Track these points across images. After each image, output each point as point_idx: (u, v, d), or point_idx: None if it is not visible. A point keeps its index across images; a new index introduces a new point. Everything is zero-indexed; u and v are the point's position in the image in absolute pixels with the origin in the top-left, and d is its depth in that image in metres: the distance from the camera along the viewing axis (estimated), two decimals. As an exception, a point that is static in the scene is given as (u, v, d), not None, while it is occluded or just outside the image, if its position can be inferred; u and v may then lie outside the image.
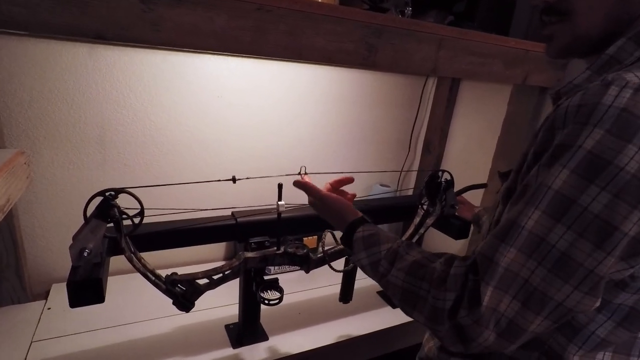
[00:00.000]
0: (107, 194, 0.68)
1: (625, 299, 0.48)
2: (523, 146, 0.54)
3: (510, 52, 0.92)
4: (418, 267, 0.53)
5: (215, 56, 1.17)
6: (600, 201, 0.41)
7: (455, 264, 0.50)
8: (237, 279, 0.89)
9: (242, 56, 1.20)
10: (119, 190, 0.69)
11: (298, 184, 0.80)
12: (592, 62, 0.51)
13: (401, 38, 0.78)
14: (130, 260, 0.71)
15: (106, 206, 0.68)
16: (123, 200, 0.70)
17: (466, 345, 0.47)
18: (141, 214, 0.71)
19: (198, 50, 1.11)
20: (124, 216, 0.71)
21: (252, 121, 1.29)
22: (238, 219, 0.92)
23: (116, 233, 0.71)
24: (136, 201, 0.70)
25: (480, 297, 0.45)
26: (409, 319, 1.13)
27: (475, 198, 1.21)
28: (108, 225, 0.70)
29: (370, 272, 0.60)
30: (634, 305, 0.48)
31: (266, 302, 0.86)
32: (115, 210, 0.69)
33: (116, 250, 0.72)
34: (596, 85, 0.44)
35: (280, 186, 0.83)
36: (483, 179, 1.27)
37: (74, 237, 0.66)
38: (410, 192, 1.67)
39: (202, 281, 0.78)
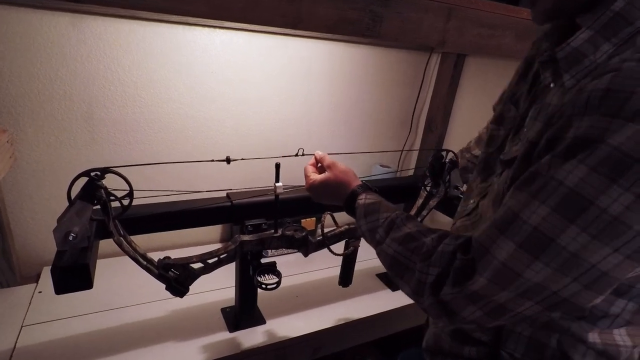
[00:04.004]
0: (92, 174, 0.64)
1: None
2: (531, 133, 0.49)
3: (521, 23, 0.86)
4: (410, 240, 0.53)
5: (208, 28, 1.10)
6: (622, 203, 0.37)
7: (446, 242, 0.49)
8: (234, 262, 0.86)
9: (236, 29, 1.13)
10: (105, 170, 0.65)
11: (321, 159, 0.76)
12: (593, 19, 0.45)
13: (408, 6, 0.72)
14: (119, 245, 0.67)
15: (92, 187, 0.64)
16: (112, 181, 0.66)
17: (450, 319, 0.47)
18: (130, 195, 0.67)
19: (186, 21, 1.05)
20: (112, 197, 0.66)
21: (247, 98, 1.24)
22: (234, 201, 0.88)
23: (103, 215, 0.67)
24: (125, 182, 0.66)
25: (467, 280, 0.44)
26: (409, 302, 1.13)
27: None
28: (95, 207, 0.66)
29: (369, 238, 0.61)
30: None
31: (263, 286, 0.84)
32: (102, 191, 0.65)
33: (104, 233, 0.69)
34: (632, 66, 0.38)
35: (277, 166, 0.78)
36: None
37: (59, 220, 0.61)
38: (411, 173, 1.63)
39: (197, 265, 0.75)
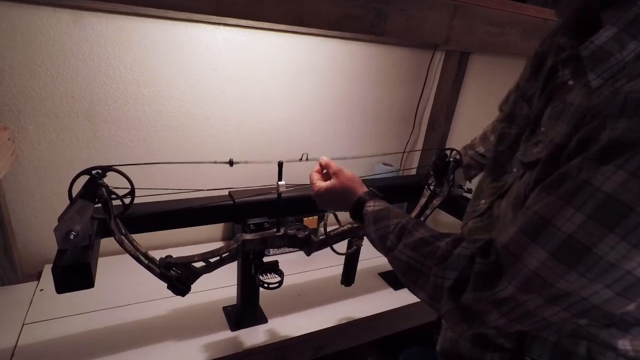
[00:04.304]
0: (93, 172, 0.63)
1: None
2: (553, 134, 0.47)
3: (529, 21, 0.85)
4: (423, 244, 0.52)
5: (210, 25, 1.10)
6: None
7: (463, 245, 0.48)
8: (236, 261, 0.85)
9: (238, 26, 1.12)
10: (107, 168, 0.64)
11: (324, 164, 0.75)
12: (618, 16, 0.43)
13: (412, 3, 0.71)
14: (121, 243, 0.67)
15: (93, 185, 0.63)
16: (114, 180, 0.65)
17: (470, 325, 0.46)
18: (131, 193, 0.66)
19: (189, 17, 1.04)
20: (113, 196, 0.66)
21: (250, 96, 1.23)
22: (236, 200, 0.88)
23: (105, 214, 0.66)
24: (126, 180, 0.65)
25: (492, 286, 0.43)
26: (411, 301, 1.12)
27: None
28: (96, 205, 0.65)
29: (379, 245, 0.60)
30: None
31: (265, 285, 0.83)
32: (103, 189, 0.64)
33: (106, 232, 0.68)
34: None
35: (280, 165, 0.78)
36: (490, 159, 1.22)
37: (60, 219, 0.61)
38: (413, 172, 1.62)
39: (199, 264, 0.75)
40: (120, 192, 0.66)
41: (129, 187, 0.65)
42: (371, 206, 0.63)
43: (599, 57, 0.45)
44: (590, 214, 0.38)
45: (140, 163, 0.67)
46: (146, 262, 0.70)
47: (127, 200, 0.67)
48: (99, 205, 0.65)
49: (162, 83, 1.10)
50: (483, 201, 0.64)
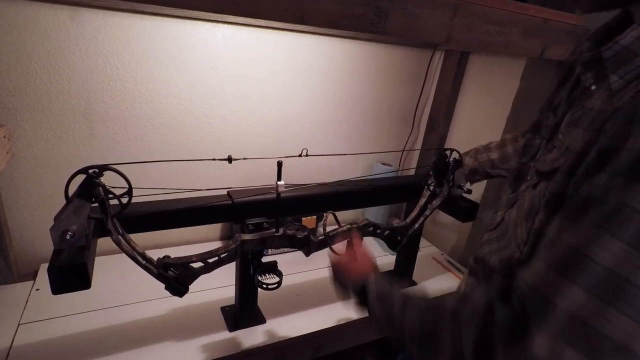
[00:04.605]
0: (90, 171, 0.62)
1: None
2: (570, 140, 0.45)
3: (529, 20, 0.84)
4: (431, 308, 0.50)
5: (209, 23, 1.09)
6: None
7: (474, 294, 0.44)
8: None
9: (238, 24, 1.12)
10: (103, 167, 0.63)
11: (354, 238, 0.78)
12: None
13: (414, 2, 0.70)
14: (118, 243, 0.66)
15: (89, 185, 0.63)
16: (111, 179, 0.64)
17: None
18: (129, 193, 0.66)
19: (187, 15, 1.03)
20: (110, 195, 0.65)
21: (249, 94, 1.22)
22: (234, 199, 0.87)
23: (102, 214, 0.65)
24: (124, 179, 0.64)
25: (521, 337, 0.37)
26: (410, 302, 1.12)
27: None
28: (93, 205, 0.64)
29: (385, 322, 0.59)
30: None
31: (264, 286, 0.82)
32: (100, 189, 0.63)
33: (103, 231, 0.67)
34: None
35: (279, 164, 0.77)
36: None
37: (56, 218, 0.60)
38: (412, 172, 1.62)
39: (197, 264, 0.74)
40: (118, 192, 0.65)
41: (127, 186, 0.65)
42: (373, 287, 0.63)
43: (624, 57, 0.42)
44: (630, 240, 0.33)
45: (137, 162, 0.67)
46: (143, 262, 0.69)
47: (124, 200, 0.66)
48: (96, 204, 0.65)
49: (160, 81, 1.09)
50: (499, 213, 0.62)
